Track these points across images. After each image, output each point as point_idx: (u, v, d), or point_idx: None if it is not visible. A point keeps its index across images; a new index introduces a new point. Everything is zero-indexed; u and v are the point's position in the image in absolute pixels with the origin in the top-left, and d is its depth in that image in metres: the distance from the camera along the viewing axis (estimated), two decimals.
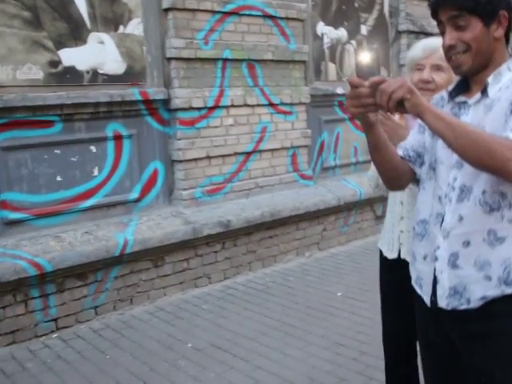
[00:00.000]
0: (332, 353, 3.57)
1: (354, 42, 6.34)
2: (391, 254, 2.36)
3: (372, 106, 1.45)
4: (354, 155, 6.47)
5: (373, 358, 3.46)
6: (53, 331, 4.04)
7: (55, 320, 4.06)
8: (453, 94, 1.68)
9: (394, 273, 2.38)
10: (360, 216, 6.18)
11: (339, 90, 6.06)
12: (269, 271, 5.25)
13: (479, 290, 1.55)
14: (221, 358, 3.56)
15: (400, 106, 1.40)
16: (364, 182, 5.94)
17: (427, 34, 6.83)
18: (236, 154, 5.16)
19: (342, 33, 6.20)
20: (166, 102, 4.77)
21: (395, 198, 2.35)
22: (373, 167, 2.33)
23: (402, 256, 2.31)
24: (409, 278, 2.21)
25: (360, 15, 6.40)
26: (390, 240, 2.37)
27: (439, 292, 1.63)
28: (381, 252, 2.49)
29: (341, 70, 6.23)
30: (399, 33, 6.79)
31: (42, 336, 3.98)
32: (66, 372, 3.46)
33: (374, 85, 1.41)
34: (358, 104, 1.47)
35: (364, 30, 6.44)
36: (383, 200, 6.15)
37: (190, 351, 3.68)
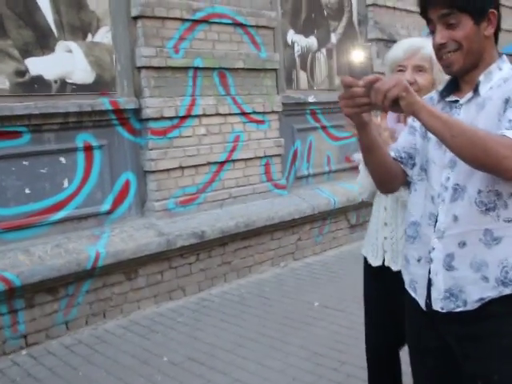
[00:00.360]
0: (312, 363, 3.51)
1: (324, 50, 6.36)
2: (375, 261, 2.32)
3: (367, 105, 1.42)
4: (327, 164, 6.46)
5: (353, 367, 3.41)
6: (22, 348, 3.90)
7: (25, 336, 3.92)
8: (444, 94, 1.65)
9: (378, 280, 2.34)
10: (334, 225, 6.16)
11: (311, 99, 6.06)
12: (244, 282, 5.18)
13: (476, 292, 1.52)
14: (198, 372, 3.48)
15: (395, 104, 1.37)
16: (338, 190, 5.97)
17: (395, 42, 6.90)
18: (209, 163, 5.09)
19: (312, 41, 6.21)
20: (136, 112, 4.68)
21: (379, 203, 2.31)
22: (362, 174, 2.29)
23: (386, 263, 2.27)
24: (392, 285, 2.19)
25: (329, 23, 6.42)
26: (375, 247, 2.33)
27: (434, 295, 1.59)
28: (365, 259, 2.45)
29: (311, 78, 6.23)
30: (368, 41, 6.83)
31: (10, 353, 3.83)
32: None
33: (368, 84, 1.38)
34: (352, 104, 1.44)
35: (334, 38, 6.46)
36: (357, 209, 6.20)
37: (166, 365, 3.58)
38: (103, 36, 4.53)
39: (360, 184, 2.36)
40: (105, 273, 4.27)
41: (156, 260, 4.57)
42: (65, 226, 4.38)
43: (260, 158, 5.52)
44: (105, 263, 4.19)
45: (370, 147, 1.65)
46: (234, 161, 5.29)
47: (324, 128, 6.37)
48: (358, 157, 2.30)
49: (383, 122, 2.11)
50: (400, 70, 2.17)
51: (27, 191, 4.17)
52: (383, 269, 2.30)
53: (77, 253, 4.09)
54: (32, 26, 4.14)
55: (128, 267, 4.41)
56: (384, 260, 2.30)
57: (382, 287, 2.34)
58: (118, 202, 4.68)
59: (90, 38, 4.45)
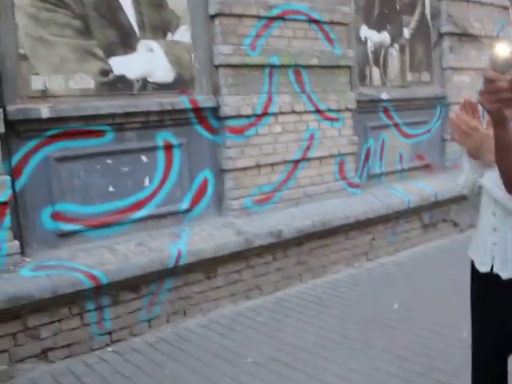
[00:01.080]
0: (397, 367, 3.42)
1: (396, 45, 6.21)
2: (483, 267, 2.21)
3: (511, 101, 1.34)
4: (400, 162, 6.32)
5: (443, 373, 3.32)
6: (107, 345, 3.96)
7: (110, 333, 3.98)
8: None
9: (487, 287, 2.24)
10: (408, 225, 6.02)
11: (384, 96, 5.94)
12: (319, 282, 5.11)
13: None
14: (283, 373, 3.44)
15: None
16: (411, 189, 5.83)
17: (469, 36, 6.71)
18: (285, 162, 5.05)
19: (384, 36, 6.08)
20: (214, 110, 4.68)
21: (487, 208, 2.19)
22: (466, 170, 2.19)
23: (495, 270, 2.16)
24: (502, 292, 2.09)
25: (402, 18, 6.27)
26: (483, 252, 2.22)
27: None
28: (472, 262, 2.35)
29: (384, 74, 6.10)
30: (441, 35, 6.64)
31: (97, 349, 3.90)
32: None
33: None
34: (494, 99, 1.36)
35: (406, 32, 6.31)
36: (430, 208, 6.04)
37: (250, 365, 3.55)
38: (182, 35, 4.54)
39: (463, 180, 2.25)
40: (185, 271, 4.29)
41: (234, 259, 4.57)
42: (146, 224, 4.42)
43: (334, 156, 5.44)
44: (186, 262, 4.21)
45: (507, 146, 1.56)
46: (308, 159, 5.24)
47: (396, 125, 6.23)
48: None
49: (489, 130, 1.98)
50: None
51: (111, 189, 4.23)
52: (492, 276, 2.19)
53: (159, 251, 4.12)
54: (115, 25, 4.20)
55: (208, 266, 4.42)
56: (492, 266, 2.19)
57: (492, 293, 2.23)
58: (196, 201, 4.69)
59: (169, 36, 4.48)
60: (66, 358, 3.76)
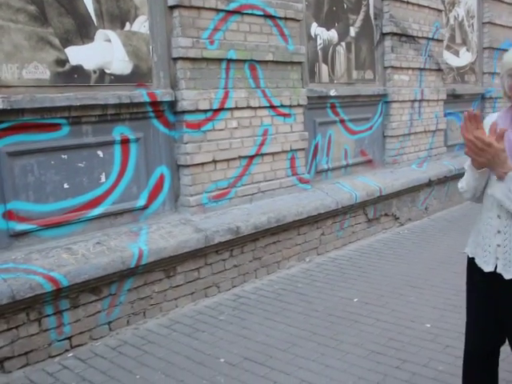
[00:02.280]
0: (372, 362, 3.48)
1: (343, 43, 6.30)
2: (487, 267, 2.28)
3: None
4: (345, 158, 6.43)
5: (416, 365, 3.40)
6: (67, 350, 3.76)
7: (69, 338, 3.77)
8: None
9: (489, 285, 2.31)
10: (353, 219, 6.14)
11: (332, 92, 6.01)
12: (274, 278, 5.12)
13: None
14: (259, 372, 3.40)
15: None
16: (357, 184, 5.96)
17: (408, 37, 6.92)
18: (240, 157, 5.00)
19: (333, 34, 6.14)
20: (172, 104, 4.54)
21: (491, 211, 2.25)
22: (469, 177, 2.24)
23: (499, 271, 2.24)
24: (502, 292, 2.21)
25: (349, 16, 6.37)
26: (487, 253, 2.28)
27: None
28: (470, 260, 2.41)
29: (332, 71, 6.17)
30: (383, 35, 6.80)
31: (56, 356, 3.69)
32: None
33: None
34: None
35: (352, 31, 6.41)
36: (374, 203, 6.20)
37: (225, 366, 3.49)
38: (140, 25, 4.37)
39: (465, 184, 2.31)
40: (146, 271, 4.15)
41: (194, 257, 4.47)
42: (102, 223, 4.23)
43: (286, 151, 5.45)
44: (147, 261, 4.07)
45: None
46: (262, 155, 5.21)
47: (342, 121, 6.33)
48: (468, 163, 2.27)
49: (501, 143, 2.04)
50: None
51: (66, 186, 4.01)
52: (495, 275, 2.26)
53: (120, 250, 3.96)
54: (73, 13, 3.96)
55: (167, 264, 4.29)
56: (496, 267, 2.26)
57: (491, 291, 2.31)
58: (152, 197, 4.55)
59: (127, 27, 4.29)
60: (23, 366, 3.54)
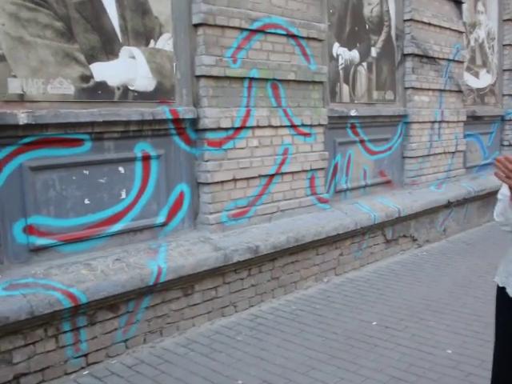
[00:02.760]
0: None
1: (364, 63, 6.29)
2: None
3: None
4: (364, 178, 6.39)
5: None
6: (83, 367, 3.72)
7: (85, 355, 3.74)
8: None
9: None
10: (372, 240, 6.08)
11: (353, 112, 5.98)
12: (291, 298, 5.06)
13: None
14: None
15: None
16: (376, 205, 5.91)
17: (429, 58, 6.90)
18: (260, 176, 4.97)
19: (354, 54, 6.14)
20: (193, 122, 4.54)
21: None
22: (507, 209, 2.19)
23: None
24: None
25: (370, 37, 6.36)
26: None
27: None
28: (500, 289, 2.35)
29: (353, 91, 6.15)
30: (404, 56, 6.78)
31: (71, 373, 3.66)
32: None
33: None
34: None
35: (374, 52, 6.40)
36: (393, 224, 6.14)
37: None
38: (165, 43, 4.38)
39: (503, 219, 2.24)
40: (164, 288, 4.12)
41: (212, 275, 4.43)
42: (121, 239, 4.22)
43: (306, 171, 5.42)
44: (166, 279, 4.03)
45: None
46: (282, 174, 5.18)
47: (362, 142, 6.30)
48: (503, 191, 2.23)
49: None
50: None
51: (86, 201, 4.00)
52: None
53: (139, 268, 3.93)
54: (98, 30, 3.98)
55: (185, 283, 4.26)
56: None
57: None
58: (172, 214, 4.53)
59: (152, 44, 4.30)
60: (39, 383, 3.50)
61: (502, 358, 2.40)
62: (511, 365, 2.35)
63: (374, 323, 4.44)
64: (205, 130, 4.54)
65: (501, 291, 2.36)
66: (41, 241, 3.77)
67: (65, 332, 3.62)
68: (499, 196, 2.28)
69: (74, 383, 3.56)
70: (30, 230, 3.72)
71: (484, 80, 8.62)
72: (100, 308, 3.78)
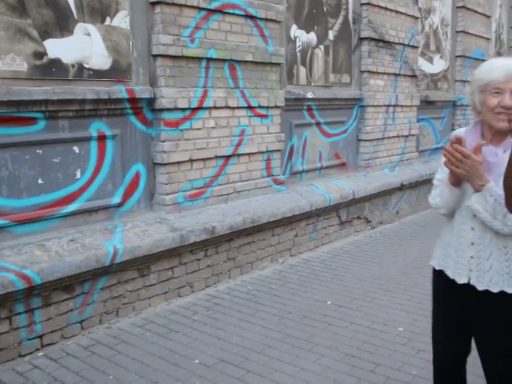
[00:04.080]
0: (347, 365, 3.50)
1: (322, 46, 6.33)
2: (461, 279, 2.30)
3: None
4: (319, 160, 6.46)
5: (389, 369, 3.44)
6: (37, 349, 3.68)
7: (40, 337, 3.70)
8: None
9: (460, 297, 2.34)
10: (327, 221, 6.18)
11: (309, 95, 6.03)
12: (247, 278, 5.11)
13: None
14: (235, 374, 3.39)
15: None
16: (331, 187, 6.00)
17: (385, 42, 6.99)
18: (216, 157, 4.97)
19: (312, 37, 6.16)
20: (150, 102, 4.49)
21: (463, 224, 2.28)
22: (444, 193, 2.27)
23: (472, 282, 2.27)
24: (473, 302, 2.26)
25: (328, 20, 6.40)
26: (460, 265, 2.31)
27: None
28: (437, 272, 2.44)
29: (310, 74, 6.19)
30: (361, 39, 6.86)
31: (26, 355, 3.61)
32: None
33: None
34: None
35: (331, 35, 6.44)
36: (347, 206, 6.25)
37: (200, 368, 3.47)
38: (121, 20, 4.30)
39: (440, 201, 2.33)
40: (120, 269, 4.10)
41: (168, 256, 4.43)
42: (76, 220, 4.16)
43: (262, 152, 5.45)
44: (122, 259, 4.01)
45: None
46: (238, 155, 5.19)
47: (318, 124, 6.36)
48: (439, 177, 2.32)
49: (479, 156, 2.08)
50: (496, 92, 2.15)
51: (40, 181, 3.92)
52: (468, 287, 2.29)
53: (95, 248, 3.90)
54: (52, 5, 3.87)
55: (141, 263, 4.25)
56: (470, 278, 2.29)
57: (461, 303, 2.34)
58: (128, 195, 4.49)
59: (108, 21, 4.22)
60: None
61: (440, 339, 2.50)
62: (449, 345, 2.46)
63: (329, 302, 4.54)
64: (161, 110, 4.50)
65: (438, 274, 2.44)
66: None
67: (19, 314, 3.57)
68: (435, 182, 2.38)
69: (28, 365, 3.51)
70: None
71: (437, 65, 8.80)
72: (55, 289, 3.73)
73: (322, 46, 6.32)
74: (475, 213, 2.16)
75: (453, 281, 2.32)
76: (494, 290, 2.19)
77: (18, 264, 3.52)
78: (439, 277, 2.43)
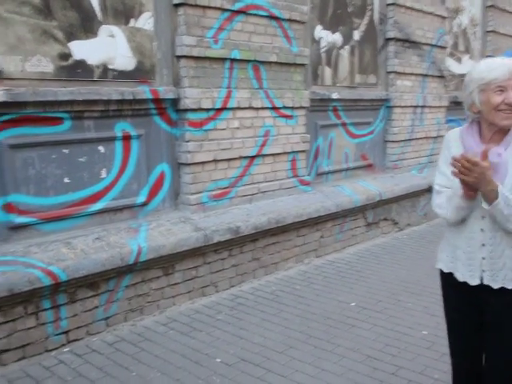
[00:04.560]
0: (368, 367, 3.46)
1: (347, 47, 6.30)
2: (473, 281, 2.27)
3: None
4: (345, 161, 6.43)
5: (411, 372, 3.39)
6: (64, 345, 3.75)
7: (66, 333, 3.76)
8: None
9: (472, 298, 2.30)
10: (353, 223, 6.13)
11: (335, 95, 6.00)
12: (272, 279, 5.10)
13: None
14: (255, 374, 3.39)
15: None
16: (358, 188, 5.96)
17: (412, 43, 6.92)
18: (241, 157, 4.99)
19: (337, 37, 6.14)
20: (174, 102, 4.53)
21: (473, 225, 2.25)
22: (450, 203, 2.23)
23: (486, 282, 2.23)
24: (490, 302, 2.23)
25: (353, 21, 6.37)
26: (472, 267, 2.27)
27: None
28: (446, 274, 2.40)
29: (335, 74, 6.17)
30: (387, 40, 6.80)
31: (52, 350, 3.68)
32: None
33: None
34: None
35: (356, 35, 6.41)
36: (374, 207, 6.19)
37: (221, 366, 3.47)
38: (145, 22, 4.36)
39: (451, 212, 2.27)
40: (144, 268, 4.14)
41: (192, 255, 4.46)
42: (102, 218, 4.22)
43: (287, 153, 5.44)
44: (146, 258, 4.05)
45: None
46: (263, 155, 5.20)
47: (344, 125, 6.33)
48: (439, 180, 2.32)
49: (486, 161, 2.04)
50: (500, 90, 2.12)
51: (66, 180, 3.99)
52: (481, 287, 2.26)
53: (119, 247, 3.94)
54: (77, 7, 3.95)
55: (166, 262, 4.28)
56: (482, 279, 2.25)
57: (477, 305, 2.31)
58: (152, 194, 4.54)
59: (132, 23, 4.28)
60: (20, 359, 3.52)
61: (455, 342, 2.48)
62: (465, 348, 2.43)
63: (353, 304, 4.49)
64: (185, 110, 4.53)
65: (446, 277, 2.40)
66: (20, 219, 3.76)
67: (45, 309, 3.63)
68: (436, 187, 2.35)
69: (54, 360, 3.57)
70: (9, 208, 3.70)
71: (466, 66, 8.67)
72: (80, 286, 3.79)
73: (347, 47, 6.29)
74: (491, 217, 2.14)
75: (463, 283, 2.30)
76: (510, 286, 2.19)
77: (45, 261, 3.59)
78: (448, 280, 2.40)
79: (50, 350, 3.66)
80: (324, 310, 4.37)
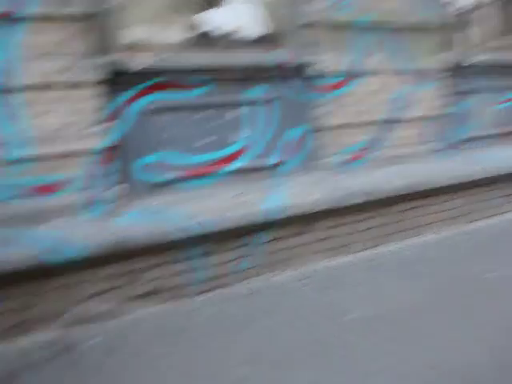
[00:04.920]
0: (506, 339, 3.20)
1: (491, 7, 5.94)
2: None
3: None
4: (488, 128, 6.04)
5: None
6: (201, 292, 3.98)
7: (203, 282, 4.00)
8: None
9: None
10: (501, 191, 5.73)
11: (475, 59, 5.68)
12: (410, 243, 4.94)
13: None
14: (388, 334, 3.32)
15: None
16: (502, 155, 5.55)
17: None
18: (375, 122, 4.94)
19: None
20: (308, 67, 4.62)
21: None
22: None
23: None
24: None
25: None
26: None
27: None
28: None
29: (476, 37, 5.84)
30: None
31: (195, 295, 3.94)
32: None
33: None
34: None
35: None
36: None
37: (354, 324, 3.45)
38: None
39: None
40: (281, 226, 4.26)
41: (328, 216, 4.50)
42: (240, 177, 4.44)
43: (425, 118, 5.27)
44: (283, 216, 4.17)
45: None
46: (400, 120, 5.09)
47: (484, 89, 5.95)
48: None
49: None
50: None
51: (206, 141, 4.26)
52: None
53: (256, 204, 4.11)
54: None
55: (302, 221, 4.37)
56: None
57: None
58: (289, 156, 4.67)
59: None
60: (168, 300, 3.84)
61: None
62: None
63: (493, 274, 4.20)
64: (319, 75, 4.61)
65: None
66: (162, 176, 4.10)
67: (187, 259, 3.90)
68: None
69: (197, 304, 3.85)
70: (151, 166, 4.05)
71: None
72: (218, 240, 4.00)
73: (491, 7, 5.93)
74: None
75: None
76: None
77: (182, 215, 3.86)
78: None
79: (194, 296, 3.93)
80: (465, 279, 4.13)
